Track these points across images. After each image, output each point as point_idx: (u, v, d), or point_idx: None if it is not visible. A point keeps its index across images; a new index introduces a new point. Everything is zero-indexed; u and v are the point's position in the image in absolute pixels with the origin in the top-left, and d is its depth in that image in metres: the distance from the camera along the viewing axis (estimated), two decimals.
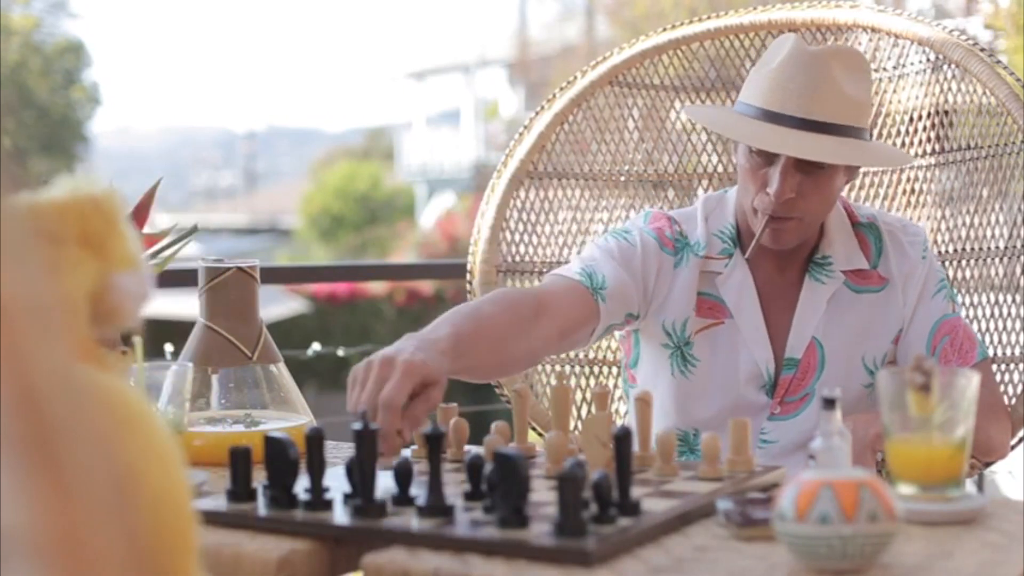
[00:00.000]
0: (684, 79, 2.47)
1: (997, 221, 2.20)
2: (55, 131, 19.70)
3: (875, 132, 2.34)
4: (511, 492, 1.20)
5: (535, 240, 2.43)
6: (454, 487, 1.38)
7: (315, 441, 1.33)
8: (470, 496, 1.33)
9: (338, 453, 1.69)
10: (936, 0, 7.69)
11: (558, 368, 2.37)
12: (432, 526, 1.24)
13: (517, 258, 2.41)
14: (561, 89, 2.47)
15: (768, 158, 1.84)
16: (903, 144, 2.32)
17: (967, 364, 1.90)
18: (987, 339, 2.19)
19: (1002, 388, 2.14)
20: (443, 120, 25.77)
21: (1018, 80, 2.15)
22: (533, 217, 2.43)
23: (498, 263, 2.38)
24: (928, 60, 2.28)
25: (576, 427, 2.21)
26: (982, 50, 2.20)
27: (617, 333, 2.07)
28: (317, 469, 1.31)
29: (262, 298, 1.84)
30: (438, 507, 1.26)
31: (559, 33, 19.53)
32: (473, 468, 1.33)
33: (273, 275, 3.76)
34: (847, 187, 2.37)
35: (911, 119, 2.31)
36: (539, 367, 2.37)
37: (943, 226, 2.27)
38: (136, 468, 0.84)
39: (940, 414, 1.30)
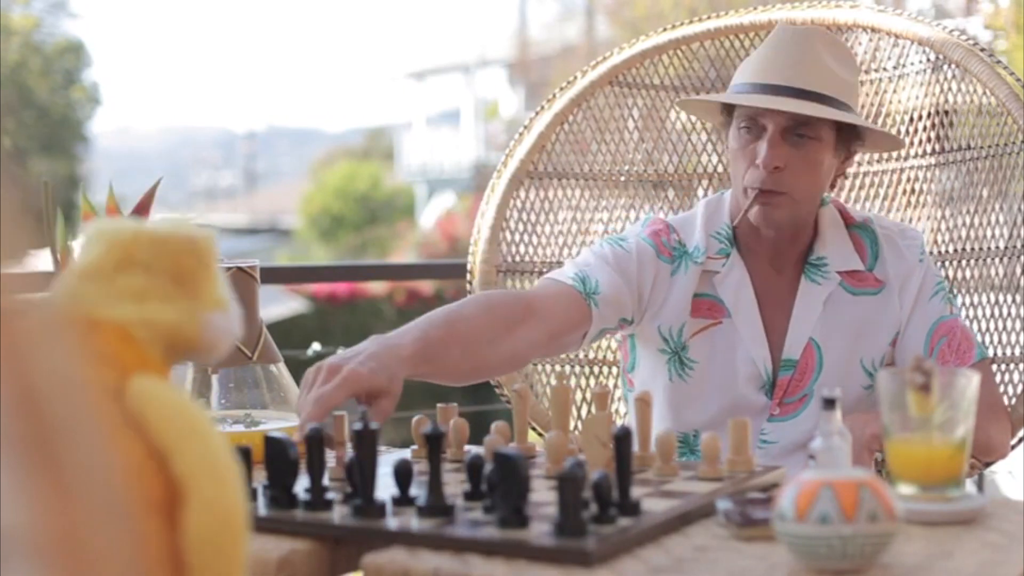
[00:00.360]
0: (684, 79, 2.47)
1: (997, 221, 2.20)
2: (55, 131, 19.70)
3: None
4: (511, 492, 1.20)
5: (535, 240, 2.43)
6: (454, 487, 1.38)
7: (315, 441, 1.33)
8: (470, 496, 1.33)
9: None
10: (936, 0, 7.69)
11: (558, 368, 2.37)
12: (432, 526, 1.24)
13: (517, 258, 2.41)
14: (561, 89, 2.47)
15: (756, 132, 1.88)
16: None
17: (964, 364, 1.90)
18: (987, 339, 2.19)
19: (1002, 388, 2.14)
20: (443, 120, 25.77)
21: (1018, 80, 2.15)
22: (533, 217, 2.43)
23: (498, 263, 2.38)
24: (928, 60, 2.28)
25: (576, 427, 2.21)
26: (982, 50, 2.20)
27: (614, 344, 2.09)
28: (317, 469, 1.31)
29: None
30: (438, 507, 1.26)
31: (559, 33, 19.53)
32: (473, 468, 1.33)
33: (273, 275, 3.76)
34: (844, 188, 2.37)
35: (911, 119, 2.31)
36: (539, 367, 2.37)
37: (943, 226, 2.27)
38: (190, 478, 0.87)
39: (940, 414, 1.30)
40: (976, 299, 2.21)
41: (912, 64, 2.30)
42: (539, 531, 1.19)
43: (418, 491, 1.31)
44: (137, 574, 0.60)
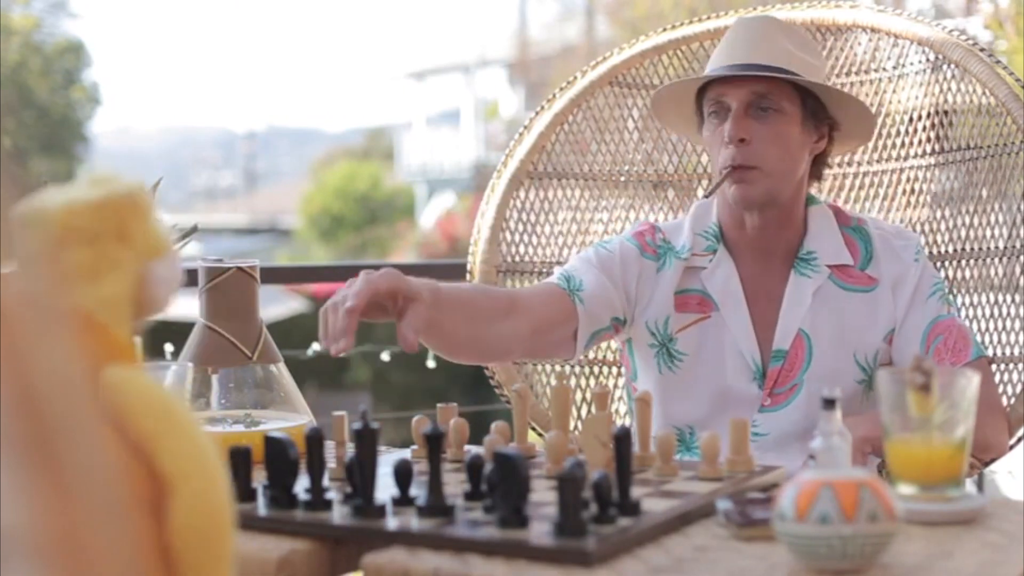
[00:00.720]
0: (684, 79, 2.47)
1: (997, 221, 2.20)
2: (55, 131, 19.70)
3: (875, 132, 2.34)
4: (511, 492, 1.20)
5: (535, 240, 2.43)
6: (454, 487, 1.38)
7: (315, 441, 1.33)
8: (470, 496, 1.33)
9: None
10: (936, 0, 7.69)
11: (558, 368, 2.37)
12: (432, 526, 1.24)
13: (517, 258, 2.41)
14: (561, 89, 2.48)
15: (723, 115, 1.94)
16: (903, 144, 2.33)
17: (960, 362, 1.90)
18: (987, 339, 2.19)
19: (1002, 388, 2.14)
20: (443, 120, 25.76)
21: (1018, 80, 2.15)
22: (533, 217, 2.43)
23: (498, 263, 2.38)
24: (928, 60, 2.28)
25: (576, 427, 2.21)
26: (982, 50, 2.20)
27: (614, 344, 2.10)
28: (317, 469, 1.31)
29: (262, 298, 1.84)
30: (438, 507, 1.26)
31: (559, 33, 19.53)
32: (473, 468, 1.33)
33: (273, 275, 3.76)
34: (844, 188, 2.37)
35: (911, 119, 2.31)
36: (539, 367, 2.37)
37: (943, 226, 2.27)
38: (177, 472, 0.85)
39: (940, 414, 1.30)
40: (976, 299, 2.21)
41: (912, 64, 2.30)
42: (539, 531, 1.19)
43: (418, 491, 1.31)
44: (136, 574, 0.60)
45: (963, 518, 1.30)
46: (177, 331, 2.57)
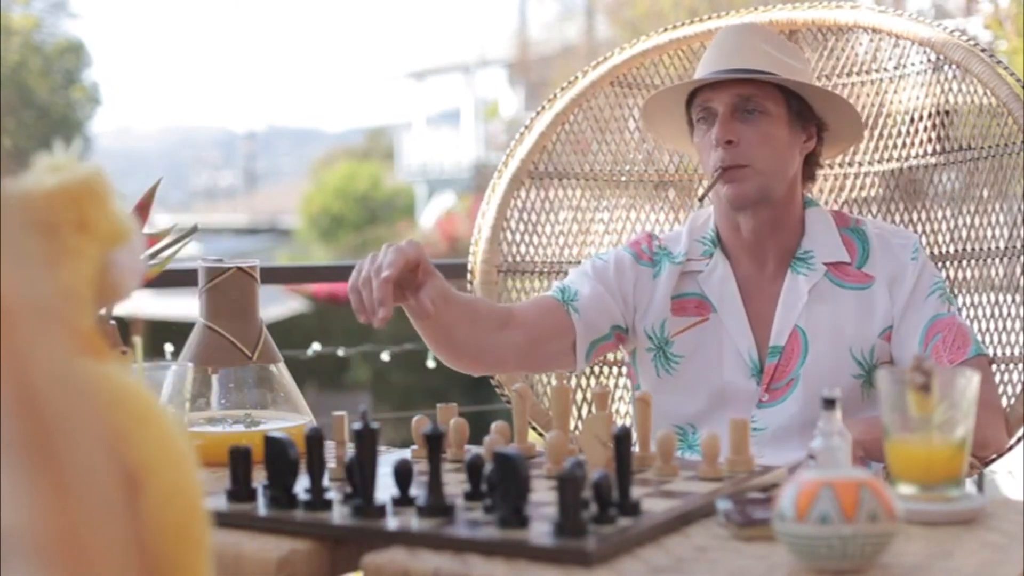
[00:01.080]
0: (684, 79, 2.47)
1: (997, 221, 2.20)
2: (55, 131, 19.69)
3: (876, 132, 2.35)
4: (511, 492, 1.20)
5: (536, 240, 2.43)
6: (454, 487, 1.38)
7: (315, 441, 1.33)
8: (470, 496, 1.33)
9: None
10: (936, 0, 7.68)
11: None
12: (432, 526, 1.24)
13: (518, 258, 2.41)
14: (562, 89, 2.48)
15: (710, 121, 1.98)
16: (904, 144, 2.33)
17: (958, 360, 1.91)
18: (987, 339, 2.19)
19: (1002, 388, 2.14)
20: (443, 120, 25.76)
21: (1019, 80, 2.15)
22: (534, 217, 2.43)
23: (499, 263, 2.38)
24: (929, 60, 2.28)
25: (576, 427, 2.21)
26: (983, 50, 2.20)
27: (620, 357, 2.13)
28: (317, 469, 1.31)
29: (262, 298, 1.84)
30: (438, 507, 1.26)
31: (559, 33, 19.51)
32: (473, 468, 1.33)
33: (273, 275, 3.75)
34: (844, 189, 2.37)
35: (912, 119, 2.31)
36: None
37: (943, 226, 2.27)
38: (148, 465, 0.83)
39: (940, 414, 1.30)
40: (976, 299, 2.21)
41: (913, 64, 2.30)
42: (539, 531, 1.19)
43: (418, 491, 1.31)
44: (136, 574, 0.60)
45: (963, 518, 1.30)
46: (177, 331, 2.57)
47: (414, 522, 1.25)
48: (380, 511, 1.28)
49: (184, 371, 1.57)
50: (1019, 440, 2.12)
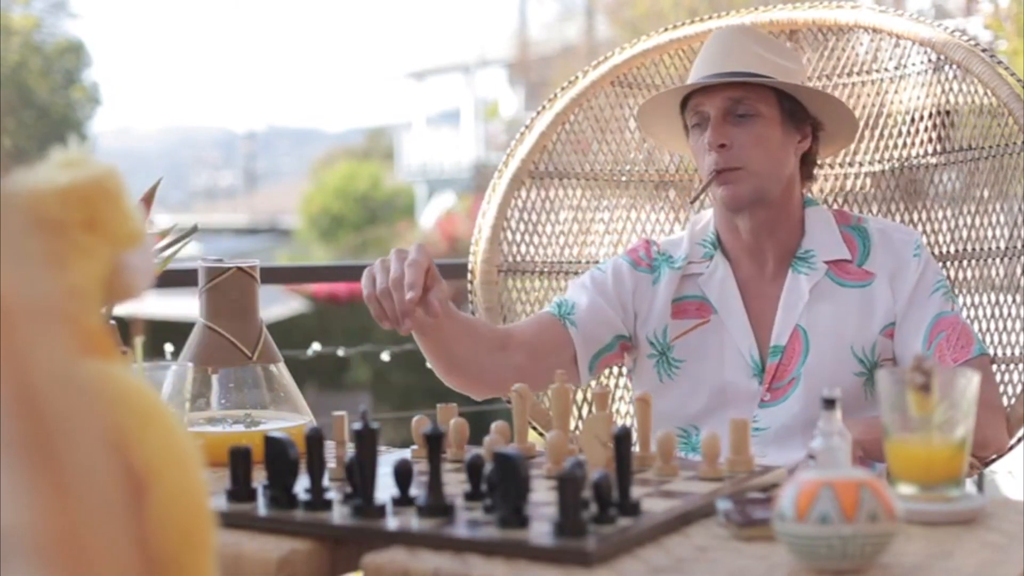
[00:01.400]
0: (684, 79, 2.47)
1: (998, 222, 2.20)
2: (55, 131, 19.69)
3: (876, 132, 2.35)
4: (511, 492, 1.20)
5: (536, 240, 2.43)
6: (454, 487, 1.38)
7: (315, 441, 1.32)
8: (470, 496, 1.33)
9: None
10: (936, 0, 7.69)
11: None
12: (432, 526, 1.24)
13: (518, 258, 2.41)
14: (562, 89, 2.47)
15: (704, 125, 1.98)
16: (904, 144, 2.32)
17: (962, 359, 1.91)
18: (987, 339, 2.19)
19: (1002, 388, 2.14)
20: (443, 120, 25.76)
21: (1019, 81, 2.15)
22: (534, 217, 2.43)
23: (499, 263, 2.38)
24: (929, 60, 2.28)
25: (576, 427, 2.21)
26: (983, 51, 2.20)
27: (625, 369, 2.14)
28: (317, 469, 1.31)
29: (262, 298, 1.84)
30: (438, 507, 1.26)
31: (559, 33, 19.51)
32: (473, 468, 1.33)
33: (273, 275, 3.76)
34: (844, 189, 2.37)
35: (912, 119, 2.31)
36: None
37: (944, 226, 2.27)
38: (152, 465, 0.83)
39: (940, 414, 1.30)
40: (976, 299, 2.21)
41: (913, 64, 2.30)
42: (539, 531, 1.19)
43: (418, 491, 1.31)
44: (136, 574, 0.60)
45: (963, 518, 1.30)
46: (177, 331, 2.56)
47: (414, 522, 1.25)
48: (380, 511, 1.28)
49: (184, 371, 1.57)
50: (1019, 440, 2.12)
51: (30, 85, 19.45)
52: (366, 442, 1.27)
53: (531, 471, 1.25)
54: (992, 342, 2.18)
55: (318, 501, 1.31)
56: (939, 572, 1.13)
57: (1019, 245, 2.16)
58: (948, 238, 2.27)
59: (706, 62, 2.01)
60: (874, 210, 2.34)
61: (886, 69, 2.34)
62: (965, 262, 2.24)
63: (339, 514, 1.30)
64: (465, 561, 1.17)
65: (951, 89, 2.25)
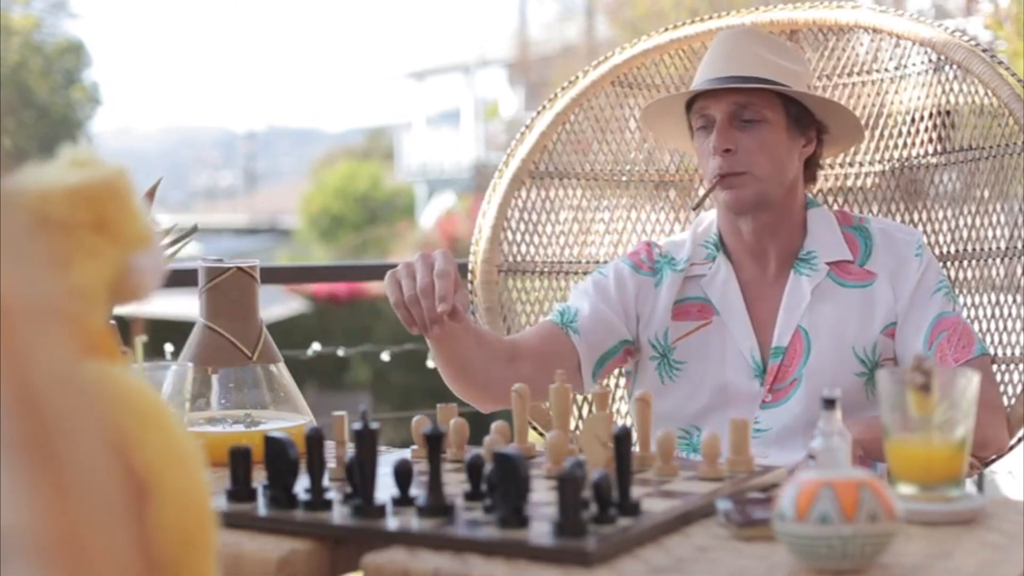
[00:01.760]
0: (684, 79, 2.47)
1: (998, 222, 2.20)
2: (55, 131, 19.69)
3: (876, 132, 2.35)
4: (511, 492, 1.20)
5: (536, 240, 2.43)
6: (454, 487, 1.38)
7: (315, 441, 1.32)
8: (470, 496, 1.33)
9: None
10: (936, 0, 7.69)
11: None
12: (432, 526, 1.24)
13: (518, 258, 2.41)
14: (563, 89, 2.47)
15: (709, 128, 1.98)
16: (905, 144, 2.32)
17: (963, 359, 1.91)
18: (987, 339, 2.19)
19: (1002, 388, 2.14)
20: (443, 120, 25.76)
21: (1020, 81, 2.15)
22: (535, 217, 2.43)
23: (499, 263, 2.38)
24: (930, 61, 2.28)
25: (576, 427, 2.21)
26: (984, 51, 2.20)
27: (625, 370, 2.14)
28: (317, 469, 1.31)
29: (262, 298, 1.84)
30: (438, 507, 1.26)
31: (559, 33, 19.51)
32: (473, 468, 1.33)
33: (273, 275, 3.75)
34: (845, 190, 2.37)
35: (912, 120, 2.31)
36: None
37: (944, 226, 2.27)
38: (154, 467, 0.82)
39: (940, 414, 1.30)
40: (976, 299, 2.21)
41: (914, 65, 2.30)
42: (539, 531, 1.19)
43: (418, 491, 1.31)
44: (136, 574, 0.60)
45: (963, 518, 1.30)
46: (177, 331, 2.57)
47: (414, 522, 1.25)
48: (380, 511, 1.28)
49: (184, 371, 1.57)
50: (1019, 440, 2.12)
51: (30, 85, 19.45)
52: (366, 442, 1.27)
53: (531, 471, 1.25)
54: (992, 342, 2.18)
55: (318, 501, 1.31)
56: (939, 572, 1.13)
57: (1019, 245, 2.16)
58: (948, 238, 2.27)
59: (712, 65, 2.01)
60: (874, 210, 2.34)
61: (886, 69, 2.34)
62: (965, 262, 2.24)
63: (339, 514, 1.30)
64: (465, 561, 1.17)
65: (951, 89, 2.25)
